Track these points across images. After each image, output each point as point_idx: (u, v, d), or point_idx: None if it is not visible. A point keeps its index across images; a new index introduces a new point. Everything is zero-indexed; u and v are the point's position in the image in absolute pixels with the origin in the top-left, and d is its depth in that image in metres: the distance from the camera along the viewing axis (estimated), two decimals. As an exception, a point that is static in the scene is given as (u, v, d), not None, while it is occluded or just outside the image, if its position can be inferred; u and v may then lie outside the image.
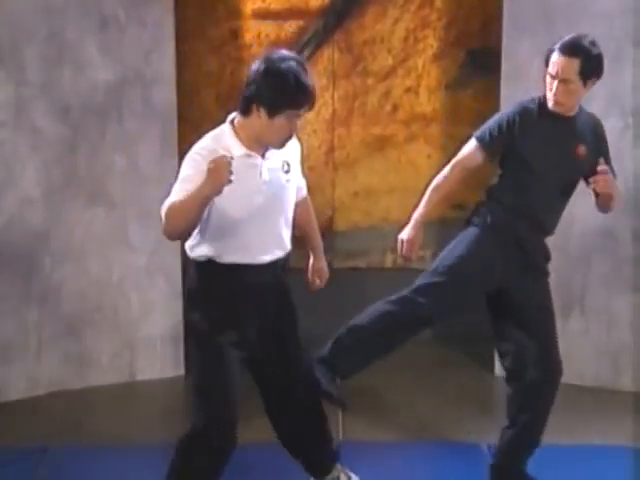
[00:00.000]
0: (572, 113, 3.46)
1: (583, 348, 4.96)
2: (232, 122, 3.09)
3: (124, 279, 5.02)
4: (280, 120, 2.98)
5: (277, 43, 5.54)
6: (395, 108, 5.66)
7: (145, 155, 4.96)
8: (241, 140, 3.04)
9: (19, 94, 4.74)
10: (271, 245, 3.13)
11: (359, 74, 5.66)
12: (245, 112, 3.02)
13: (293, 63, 2.99)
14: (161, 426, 4.42)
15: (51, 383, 4.91)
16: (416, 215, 3.58)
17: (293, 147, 3.21)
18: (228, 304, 3.08)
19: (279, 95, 2.95)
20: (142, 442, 4.23)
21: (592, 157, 3.46)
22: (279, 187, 3.11)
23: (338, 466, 3.50)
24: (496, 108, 5.04)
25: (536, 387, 3.47)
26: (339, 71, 5.66)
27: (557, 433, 4.18)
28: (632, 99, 4.74)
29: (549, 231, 3.58)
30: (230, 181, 2.84)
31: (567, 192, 3.54)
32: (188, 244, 3.13)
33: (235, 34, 5.58)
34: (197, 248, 3.11)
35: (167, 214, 2.94)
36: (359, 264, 5.78)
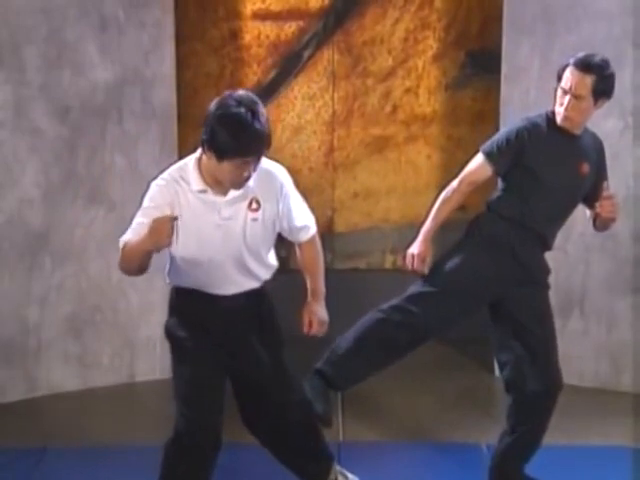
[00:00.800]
0: (579, 131, 3.46)
1: (583, 348, 4.96)
2: (199, 156, 3.04)
3: (124, 280, 4.99)
4: (228, 165, 2.92)
5: (277, 44, 5.55)
6: (395, 109, 5.66)
7: (145, 156, 4.96)
8: (202, 175, 3.01)
9: (19, 94, 4.74)
10: (238, 279, 3.11)
11: (359, 75, 5.65)
12: (202, 151, 3.00)
13: (242, 110, 2.87)
14: (160, 427, 4.38)
15: (51, 384, 4.91)
16: (425, 229, 3.56)
17: (270, 180, 3.10)
18: (202, 321, 3.12)
19: (222, 143, 2.88)
20: (141, 443, 4.22)
21: (593, 176, 3.47)
22: (243, 225, 3.04)
23: (336, 468, 3.48)
24: (496, 109, 5.05)
25: (534, 401, 3.47)
26: (339, 72, 5.66)
27: (556, 433, 4.17)
28: (632, 99, 4.74)
29: (548, 246, 3.57)
30: (170, 243, 2.86)
31: (568, 208, 3.54)
32: (166, 268, 3.18)
33: (235, 35, 5.58)
34: (170, 275, 3.18)
35: (121, 253, 3.00)
36: (359, 265, 5.77)
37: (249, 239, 3.05)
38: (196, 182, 3.01)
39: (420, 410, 4.44)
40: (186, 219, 2.96)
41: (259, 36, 5.60)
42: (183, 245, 2.99)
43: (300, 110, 5.65)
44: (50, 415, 4.63)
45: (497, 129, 5.06)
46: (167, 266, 3.16)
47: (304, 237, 3.28)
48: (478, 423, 4.10)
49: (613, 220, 3.49)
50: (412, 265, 3.52)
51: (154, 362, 5.10)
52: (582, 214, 4.88)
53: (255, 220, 3.05)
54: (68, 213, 4.89)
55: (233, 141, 2.87)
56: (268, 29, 5.62)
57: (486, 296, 3.48)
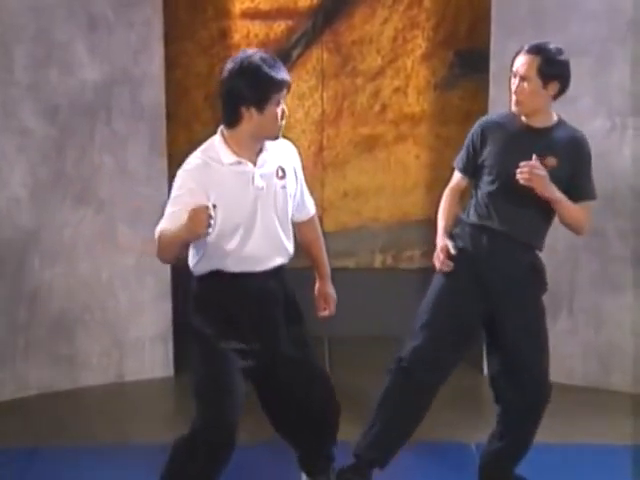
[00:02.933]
0: (544, 124, 3.39)
1: (572, 347, 4.98)
2: (222, 134, 3.10)
3: (113, 279, 5.01)
4: (270, 109, 3.03)
5: (266, 43, 5.55)
6: (384, 108, 5.67)
7: (134, 155, 4.95)
8: (231, 148, 3.06)
9: (6, 94, 4.72)
10: (271, 252, 3.13)
11: (348, 74, 5.66)
12: (234, 122, 3.04)
13: (255, 54, 3.05)
14: (150, 427, 4.41)
15: (40, 384, 4.90)
16: (439, 229, 3.55)
17: (288, 152, 3.22)
18: (231, 312, 3.10)
19: (261, 85, 2.99)
20: (132, 442, 4.22)
21: (565, 172, 3.36)
22: (274, 193, 3.10)
23: (333, 467, 3.48)
24: (484, 109, 5.06)
25: (522, 413, 3.46)
26: (328, 71, 5.66)
27: (546, 432, 4.18)
28: (619, 99, 4.76)
29: (525, 242, 3.45)
30: (208, 233, 2.84)
31: (537, 204, 3.37)
32: (190, 261, 3.15)
33: (224, 34, 5.57)
34: (199, 264, 3.13)
35: (157, 243, 2.99)
36: (348, 264, 5.78)
37: (279, 208, 3.11)
38: (227, 156, 3.05)
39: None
40: (224, 195, 2.99)
41: (248, 35, 5.60)
42: (223, 219, 2.98)
43: (289, 109, 5.63)
44: (40, 415, 4.62)
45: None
46: (193, 256, 3.12)
47: (311, 213, 3.36)
48: (467, 423, 4.11)
49: (538, 188, 3.28)
50: (440, 263, 3.43)
51: (143, 362, 5.10)
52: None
53: (284, 188, 3.13)
54: (57, 213, 4.88)
55: (271, 74, 2.99)
56: (257, 28, 5.62)
57: (473, 320, 3.44)
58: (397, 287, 5.51)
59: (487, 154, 3.40)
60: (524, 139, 3.37)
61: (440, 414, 4.40)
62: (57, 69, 4.79)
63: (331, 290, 3.42)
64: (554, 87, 3.33)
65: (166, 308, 5.06)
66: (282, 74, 3.05)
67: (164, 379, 5.05)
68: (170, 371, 5.11)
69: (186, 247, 3.00)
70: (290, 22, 5.62)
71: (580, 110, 4.83)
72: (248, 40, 5.55)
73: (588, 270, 4.92)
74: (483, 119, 3.53)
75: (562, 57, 3.34)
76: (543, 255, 4.59)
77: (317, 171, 5.66)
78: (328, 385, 3.31)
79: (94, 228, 4.92)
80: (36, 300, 4.86)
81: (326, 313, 3.39)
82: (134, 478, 3.76)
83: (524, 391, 3.41)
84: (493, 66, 4.99)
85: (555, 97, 3.37)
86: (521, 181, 3.24)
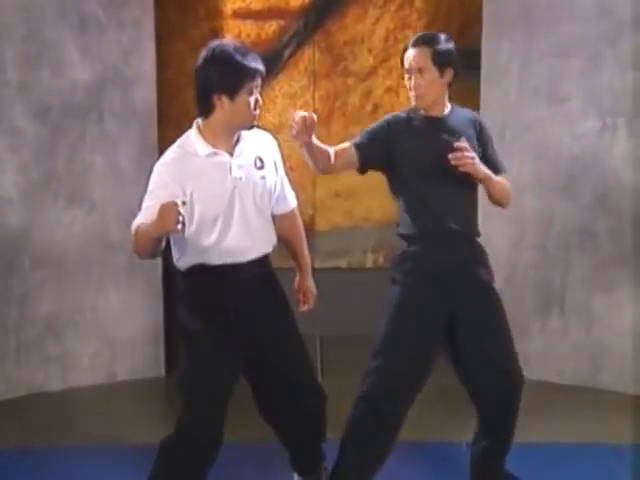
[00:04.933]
0: (443, 112, 3.37)
1: (563, 346, 4.99)
2: (197, 126, 3.10)
3: (104, 280, 5.01)
4: (242, 97, 3.01)
5: (258, 43, 5.55)
6: (376, 108, 5.67)
7: (125, 155, 4.95)
8: (207, 140, 3.05)
9: (-2, 94, 4.72)
10: (252, 243, 3.12)
11: (340, 74, 5.67)
12: (207, 111, 3.04)
13: (229, 44, 3.07)
14: (142, 426, 4.40)
15: (31, 384, 4.89)
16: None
17: (267, 144, 3.21)
18: (217, 305, 3.09)
19: (232, 73, 2.99)
20: (124, 442, 4.21)
21: (476, 151, 3.30)
22: (253, 184, 3.10)
23: (324, 465, 3.48)
24: (476, 108, 5.06)
25: (498, 406, 3.38)
26: (320, 71, 5.66)
27: (536, 431, 4.21)
28: (610, 100, 4.77)
29: (467, 233, 3.36)
30: (179, 229, 2.80)
31: (463, 184, 3.30)
32: (174, 256, 3.14)
33: (216, 34, 5.57)
34: (181, 260, 3.12)
35: (133, 237, 2.98)
36: (340, 264, 5.79)
37: (258, 198, 3.10)
38: (203, 147, 3.05)
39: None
40: (201, 187, 2.99)
41: (240, 35, 5.60)
42: (201, 211, 3.00)
43: (281, 109, 5.65)
44: (31, 415, 4.61)
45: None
46: (175, 252, 3.12)
47: (291, 206, 3.34)
48: (457, 421, 4.11)
49: (473, 170, 3.22)
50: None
51: (135, 362, 5.09)
52: (561, 213, 4.93)
53: (263, 178, 3.12)
54: (48, 213, 4.87)
55: (243, 62, 2.99)
56: (249, 28, 5.63)
57: (436, 329, 3.32)
58: (389, 287, 5.51)
59: (400, 154, 3.31)
60: (432, 131, 3.33)
61: (430, 414, 4.41)
62: (48, 69, 4.79)
63: (311, 284, 3.39)
64: (449, 74, 3.35)
65: (157, 308, 5.05)
66: (254, 63, 3.03)
67: (155, 379, 5.05)
68: (161, 371, 5.11)
69: (160, 242, 2.95)
70: (282, 22, 5.63)
71: (571, 110, 4.85)
72: (240, 40, 5.54)
73: (579, 270, 4.92)
74: (389, 117, 3.42)
75: (451, 44, 3.36)
76: (534, 255, 4.62)
77: (309, 171, 5.63)
78: (311, 370, 3.33)
79: (85, 228, 4.92)
80: (27, 300, 4.85)
81: (305, 308, 3.38)
82: (125, 478, 3.75)
83: (495, 382, 3.35)
84: (484, 66, 5.01)
85: (450, 84, 3.37)
86: (461, 168, 3.20)
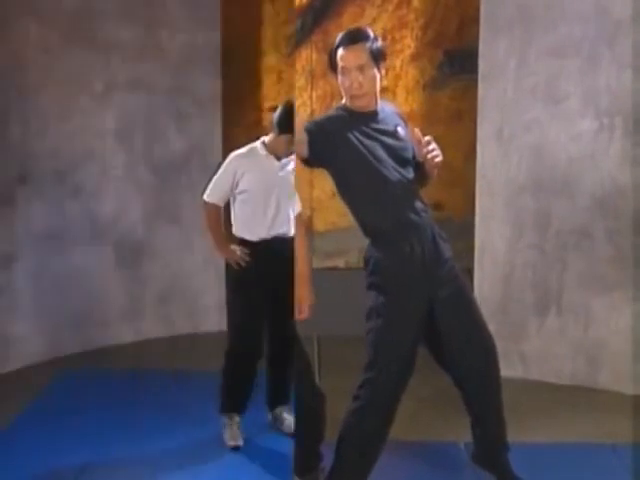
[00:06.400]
0: (376, 106, 3.34)
1: (560, 346, 4.99)
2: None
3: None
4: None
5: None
6: (373, 108, 5.67)
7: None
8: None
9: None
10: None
11: (337, 74, 5.66)
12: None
13: None
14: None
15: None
16: None
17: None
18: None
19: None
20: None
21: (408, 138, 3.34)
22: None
23: (321, 465, 3.50)
24: (473, 108, 5.07)
25: (480, 382, 3.38)
26: (317, 71, 5.66)
27: (534, 431, 4.21)
28: (607, 100, 4.77)
29: (424, 210, 3.36)
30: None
31: (407, 168, 3.33)
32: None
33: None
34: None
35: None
36: (338, 264, 5.78)
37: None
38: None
39: (397, 411, 4.44)
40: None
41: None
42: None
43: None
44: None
45: (475, 128, 5.09)
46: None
47: (297, 210, 4.01)
48: (455, 422, 4.10)
49: (437, 166, 3.27)
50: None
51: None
52: (558, 213, 4.93)
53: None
54: None
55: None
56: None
57: (420, 325, 3.30)
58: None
59: (351, 160, 3.27)
60: (369, 125, 3.31)
61: (427, 415, 4.42)
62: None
63: (312, 295, 3.70)
64: (384, 67, 3.33)
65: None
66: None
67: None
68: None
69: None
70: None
71: (568, 110, 4.85)
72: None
73: (577, 270, 4.93)
74: (318, 122, 3.33)
75: (376, 37, 3.30)
76: (532, 254, 4.61)
77: (306, 171, 5.64)
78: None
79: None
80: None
81: (301, 317, 3.70)
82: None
83: (474, 359, 3.34)
84: (482, 66, 5.01)
85: (382, 77, 3.34)
86: (436, 159, 3.21)
